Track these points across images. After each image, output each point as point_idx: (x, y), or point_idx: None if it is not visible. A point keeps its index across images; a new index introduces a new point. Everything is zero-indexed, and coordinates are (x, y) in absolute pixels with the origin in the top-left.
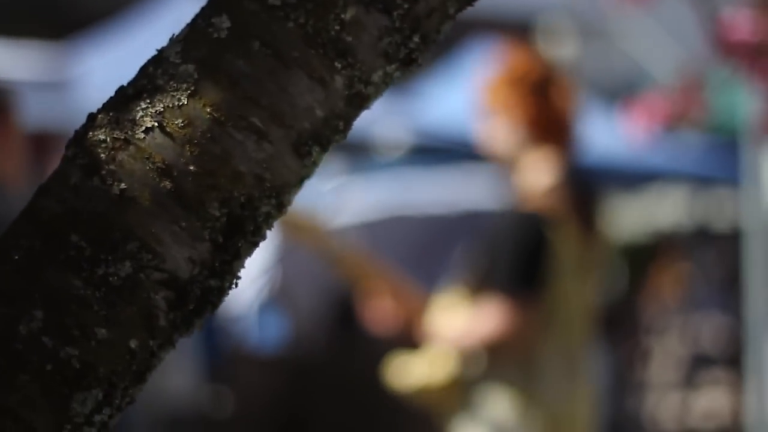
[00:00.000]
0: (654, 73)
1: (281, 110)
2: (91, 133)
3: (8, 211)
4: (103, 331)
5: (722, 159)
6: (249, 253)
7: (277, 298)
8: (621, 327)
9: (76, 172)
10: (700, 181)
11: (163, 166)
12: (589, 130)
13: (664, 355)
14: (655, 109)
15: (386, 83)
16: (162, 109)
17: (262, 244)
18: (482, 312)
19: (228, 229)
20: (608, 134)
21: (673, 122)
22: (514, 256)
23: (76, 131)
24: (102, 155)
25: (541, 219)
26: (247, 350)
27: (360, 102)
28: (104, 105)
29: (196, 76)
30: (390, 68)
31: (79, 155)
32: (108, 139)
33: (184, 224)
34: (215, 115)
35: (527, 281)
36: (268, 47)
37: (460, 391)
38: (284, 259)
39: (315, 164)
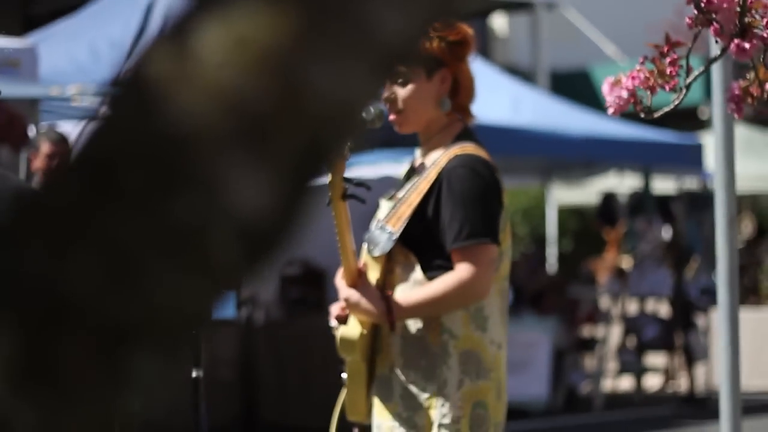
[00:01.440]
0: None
1: (362, 27)
2: (146, 62)
3: None
4: (166, 278)
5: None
6: (316, 187)
7: None
8: None
9: (130, 108)
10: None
11: (229, 97)
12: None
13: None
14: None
15: None
16: (226, 28)
17: None
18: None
19: (299, 164)
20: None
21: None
22: (482, 202)
23: (130, 63)
24: (159, 86)
25: (490, 163)
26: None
27: (442, 16)
28: (160, 31)
29: None
30: None
31: (133, 88)
32: (166, 68)
33: (251, 161)
34: (290, 31)
35: (494, 229)
36: None
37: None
38: None
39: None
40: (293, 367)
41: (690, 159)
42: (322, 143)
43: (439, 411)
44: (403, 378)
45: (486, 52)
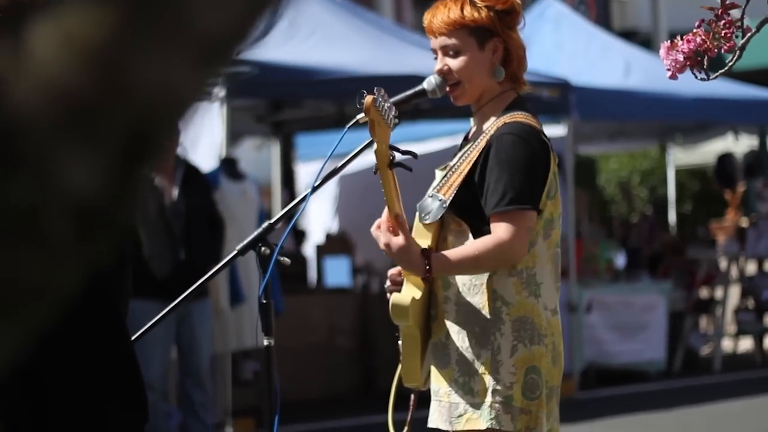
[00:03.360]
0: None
1: (181, 22)
2: None
3: None
4: (3, 253)
5: None
6: (151, 169)
7: (337, 242)
8: None
9: None
10: None
11: (58, 88)
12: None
13: None
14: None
15: None
16: (55, 21)
17: (322, 197)
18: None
19: (127, 148)
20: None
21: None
22: (526, 169)
23: None
24: None
25: (539, 131)
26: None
27: (261, 10)
28: None
29: None
30: None
31: None
32: (0, 63)
33: (80, 146)
34: (113, 27)
35: (537, 197)
36: None
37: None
38: (340, 208)
39: (212, 79)
40: None
41: None
42: (148, 129)
43: (492, 376)
44: (458, 344)
45: (606, 15)
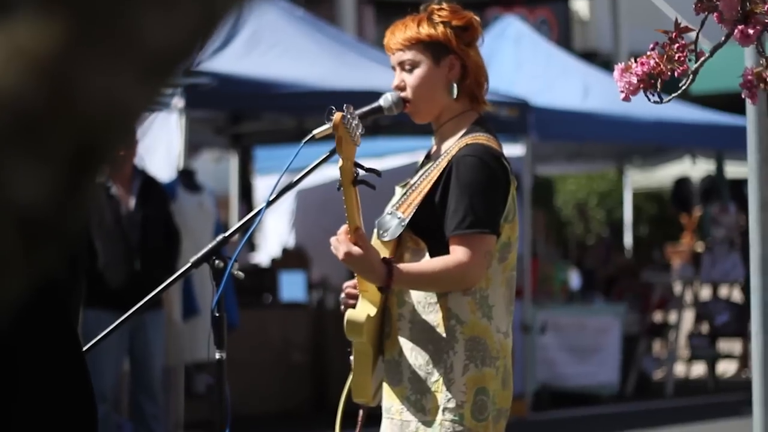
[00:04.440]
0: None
1: (128, 37)
2: None
3: None
4: None
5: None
6: (97, 181)
7: (293, 256)
8: None
9: None
10: None
11: (6, 100)
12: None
13: None
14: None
15: (237, 3)
16: (6, 34)
17: (279, 210)
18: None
19: (74, 160)
20: None
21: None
22: (486, 193)
23: None
24: None
25: (500, 153)
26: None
27: (208, 25)
28: None
29: (43, 0)
30: None
31: None
32: None
33: (26, 158)
34: (62, 40)
35: (496, 220)
36: None
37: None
38: (297, 222)
39: (161, 92)
40: None
41: None
42: (95, 141)
43: (444, 395)
44: (411, 362)
45: (567, 36)
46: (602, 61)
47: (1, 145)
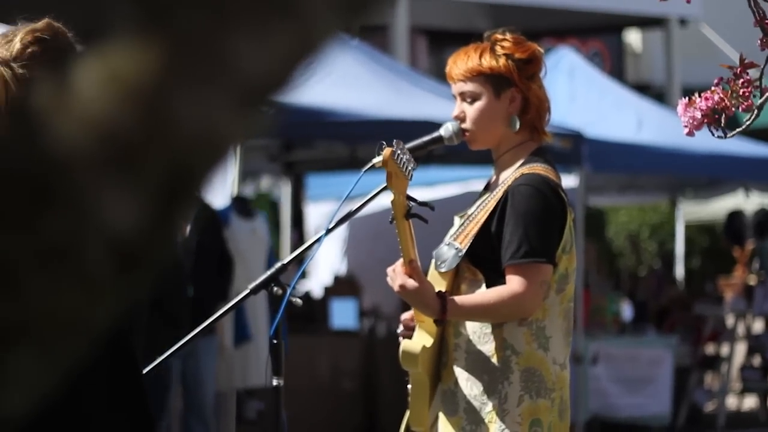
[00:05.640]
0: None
1: (224, 64)
2: (32, 93)
3: None
4: (42, 289)
5: None
6: (192, 209)
7: (345, 284)
8: None
9: (13, 134)
10: None
11: (101, 126)
12: None
13: None
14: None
15: (334, 33)
16: (101, 61)
17: (331, 238)
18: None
19: (170, 185)
20: None
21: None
22: (542, 222)
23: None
24: (40, 115)
25: (556, 184)
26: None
27: (304, 54)
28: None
29: (139, 28)
30: (336, 15)
31: (17, 116)
32: (47, 100)
33: (120, 184)
34: (158, 67)
35: (551, 250)
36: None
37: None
38: (349, 250)
39: (255, 121)
40: None
41: None
42: (188, 169)
43: (498, 425)
44: (466, 392)
45: (620, 68)
46: (655, 93)
47: (95, 171)
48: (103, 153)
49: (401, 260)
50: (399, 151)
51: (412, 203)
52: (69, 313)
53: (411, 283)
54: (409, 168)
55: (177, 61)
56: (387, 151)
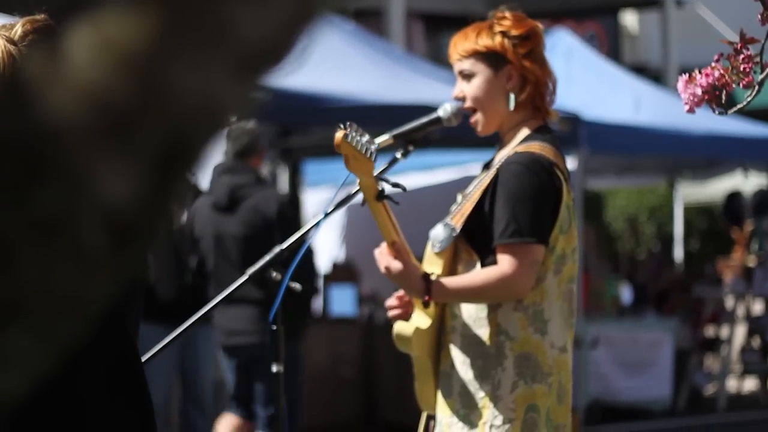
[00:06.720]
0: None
1: (221, 30)
2: (22, 62)
3: None
4: (36, 262)
5: None
6: (187, 179)
7: (343, 271)
8: None
9: (3, 104)
10: None
11: (95, 95)
12: None
13: None
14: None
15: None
16: (94, 30)
17: (328, 225)
18: (506, 263)
19: (166, 156)
20: None
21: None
22: (531, 201)
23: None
24: (31, 84)
25: (549, 162)
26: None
27: (303, 20)
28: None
29: None
30: None
31: (9, 86)
32: (38, 68)
33: (116, 154)
34: (152, 34)
35: (542, 229)
36: None
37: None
38: (347, 237)
39: (253, 90)
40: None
41: None
42: (185, 138)
43: (491, 411)
44: (461, 375)
45: (617, 50)
46: (652, 75)
47: (89, 141)
48: (98, 122)
49: (385, 243)
50: (354, 133)
51: (385, 184)
52: (63, 288)
53: (395, 264)
54: (371, 149)
55: (173, 27)
56: (338, 134)
